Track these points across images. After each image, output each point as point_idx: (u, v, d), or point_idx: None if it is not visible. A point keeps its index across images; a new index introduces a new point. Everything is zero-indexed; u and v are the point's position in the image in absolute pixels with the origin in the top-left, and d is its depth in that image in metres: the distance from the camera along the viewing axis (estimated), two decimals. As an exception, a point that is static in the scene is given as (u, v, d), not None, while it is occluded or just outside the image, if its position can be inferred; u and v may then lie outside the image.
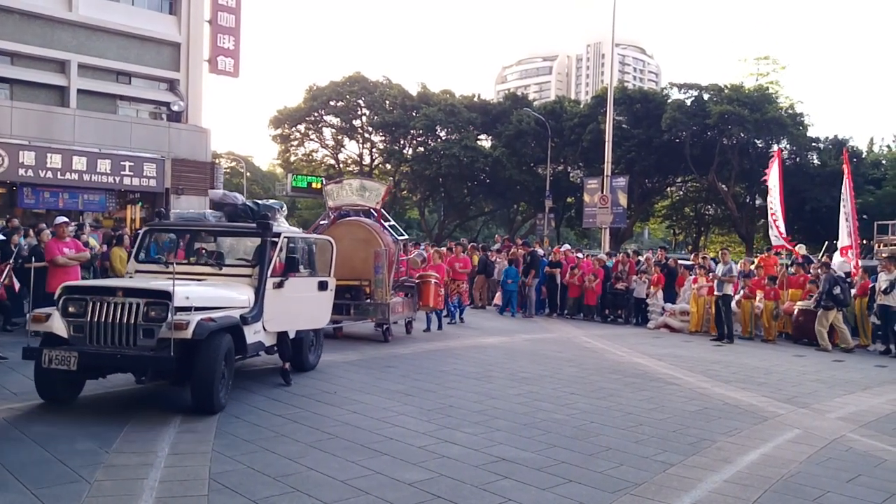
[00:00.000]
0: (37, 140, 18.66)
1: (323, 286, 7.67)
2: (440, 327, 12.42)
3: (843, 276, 12.71)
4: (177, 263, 6.84)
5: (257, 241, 7.04)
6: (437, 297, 11.85)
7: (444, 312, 13.06)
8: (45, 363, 5.52)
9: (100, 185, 19.61)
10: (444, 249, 15.52)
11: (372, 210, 11.53)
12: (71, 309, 5.75)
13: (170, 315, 5.53)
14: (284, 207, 7.62)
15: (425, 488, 4.32)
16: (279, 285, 6.80)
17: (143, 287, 5.88)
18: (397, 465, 4.77)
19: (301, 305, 7.33)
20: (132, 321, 5.62)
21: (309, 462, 4.75)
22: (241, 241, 7.63)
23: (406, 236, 12.57)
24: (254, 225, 6.98)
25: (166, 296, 5.62)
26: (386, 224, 11.58)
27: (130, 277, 6.87)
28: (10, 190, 19.23)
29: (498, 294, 16.95)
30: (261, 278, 6.62)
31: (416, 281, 11.75)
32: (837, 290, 11.93)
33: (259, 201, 7.61)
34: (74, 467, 4.43)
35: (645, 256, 16.14)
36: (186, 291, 5.79)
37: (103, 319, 5.64)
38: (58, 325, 5.71)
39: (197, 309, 5.74)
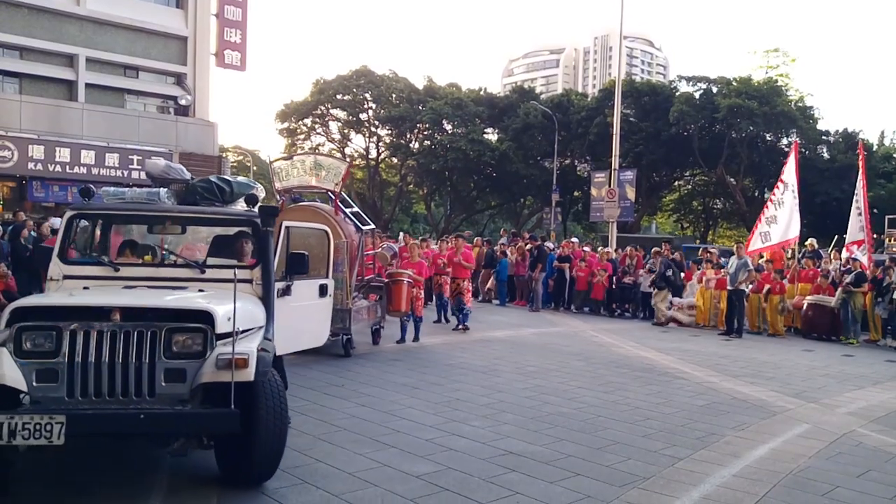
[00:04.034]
0: (46, 134, 18.77)
1: (323, 291, 6.17)
2: (416, 338, 10.22)
3: (677, 260, 14.45)
4: (128, 264, 4.95)
5: (220, 230, 5.43)
6: (412, 301, 9.96)
7: (434, 316, 12.00)
8: (2, 438, 3.34)
9: (108, 178, 19.67)
10: (423, 242, 14.08)
11: (330, 193, 9.62)
12: (28, 344, 3.66)
13: (230, 345, 3.70)
14: (261, 188, 5.66)
15: (433, 481, 4.33)
16: (285, 292, 5.30)
17: (161, 306, 3.98)
18: (405, 457, 4.78)
19: (304, 317, 5.80)
20: (145, 359, 3.70)
21: (317, 454, 4.77)
22: (194, 232, 5.93)
23: (372, 225, 10.48)
24: (239, 210, 5.19)
25: (205, 318, 3.84)
26: (347, 211, 9.68)
27: (84, 289, 4.54)
28: (19, 184, 19.36)
29: (491, 281, 17.19)
30: (267, 284, 4.79)
31: (386, 280, 9.92)
32: (670, 273, 13.50)
33: (230, 178, 5.60)
34: (83, 459, 4.46)
35: (653, 250, 16.09)
36: (226, 310, 3.89)
37: (92, 359, 3.64)
38: (10, 374, 3.55)
39: (240, 334, 3.97)
